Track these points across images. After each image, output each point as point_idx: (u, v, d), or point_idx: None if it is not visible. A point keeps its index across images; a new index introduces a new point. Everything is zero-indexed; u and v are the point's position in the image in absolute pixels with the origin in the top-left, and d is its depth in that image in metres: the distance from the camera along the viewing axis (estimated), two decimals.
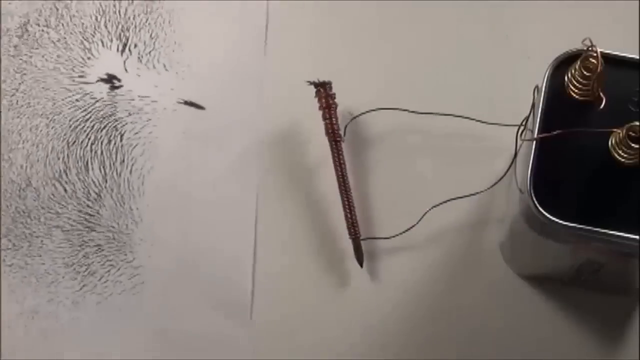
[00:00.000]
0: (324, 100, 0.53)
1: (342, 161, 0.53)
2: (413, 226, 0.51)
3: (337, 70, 0.55)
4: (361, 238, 0.52)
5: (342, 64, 0.56)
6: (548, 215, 0.40)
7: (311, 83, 0.53)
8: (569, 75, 0.42)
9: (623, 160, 0.40)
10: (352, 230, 0.52)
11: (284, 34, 0.58)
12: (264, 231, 0.53)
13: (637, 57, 0.42)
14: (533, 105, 0.43)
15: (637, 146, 0.39)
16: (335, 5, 0.58)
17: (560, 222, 0.39)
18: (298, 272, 0.52)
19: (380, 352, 0.51)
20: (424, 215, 0.51)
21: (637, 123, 0.39)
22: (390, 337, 0.51)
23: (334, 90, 0.53)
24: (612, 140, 0.41)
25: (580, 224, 0.39)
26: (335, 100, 0.53)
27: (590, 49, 0.40)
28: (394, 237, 0.52)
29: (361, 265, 0.52)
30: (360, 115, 0.54)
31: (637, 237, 0.39)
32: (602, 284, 0.48)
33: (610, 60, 0.41)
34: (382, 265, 0.52)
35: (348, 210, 0.52)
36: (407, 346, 0.51)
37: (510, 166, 0.49)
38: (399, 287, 0.52)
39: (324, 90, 0.53)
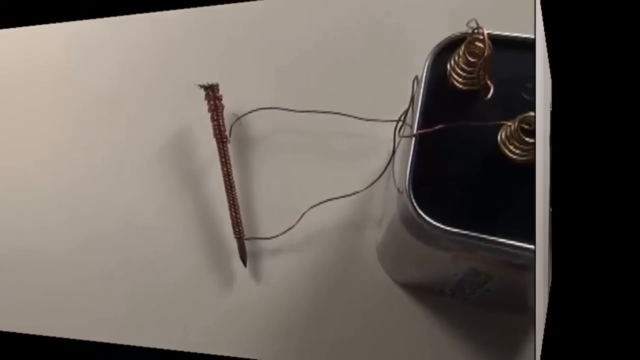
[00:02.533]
0: (212, 102, 0.52)
1: (228, 161, 0.52)
2: (292, 227, 0.49)
3: (223, 72, 0.54)
4: (244, 238, 0.51)
5: (228, 66, 0.56)
6: (427, 218, 0.34)
7: (201, 86, 0.53)
8: (452, 62, 0.36)
9: (515, 157, 0.35)
10: (237, 230, 0.51)
11: (174, 42, 0.58)
12: (158, 231, 0.52)
13: (531, 37, 0.37)
14: (412, 98, 0.38)
15: (531, 140, 0.34)
16: (220, 10, 0.58)
17: (442, 226, 0.34)
18: (186, 271, 0.51)
19: (262, 350, 0.48)
20: (302, 216, 0.48)
21: (532, 113, 0.34)
22: (271, 336, 0.49)
23: (221, 92, 0.53)
24: (502, 134, 0.35)
25: (464, 230, 0.34)
26: (222, 102, 0.53)
27: (476, 31, 0.35)
28: (274, 237, 0.50)
29: (245, 265, 0.50)
30: (243, 115, 0.53)
31: (531, 246, 0.33)
32: (491, 298, 0.41)
33: (499, 42, 0.36)
34: (265, 265, 0.50)
35: (233, 210, 0.51)
36: (287, 346, 0.48)
37: (387, 165, 0.44)
38: (280, 287, 0.50)
39: (212, 92, 0.52)
